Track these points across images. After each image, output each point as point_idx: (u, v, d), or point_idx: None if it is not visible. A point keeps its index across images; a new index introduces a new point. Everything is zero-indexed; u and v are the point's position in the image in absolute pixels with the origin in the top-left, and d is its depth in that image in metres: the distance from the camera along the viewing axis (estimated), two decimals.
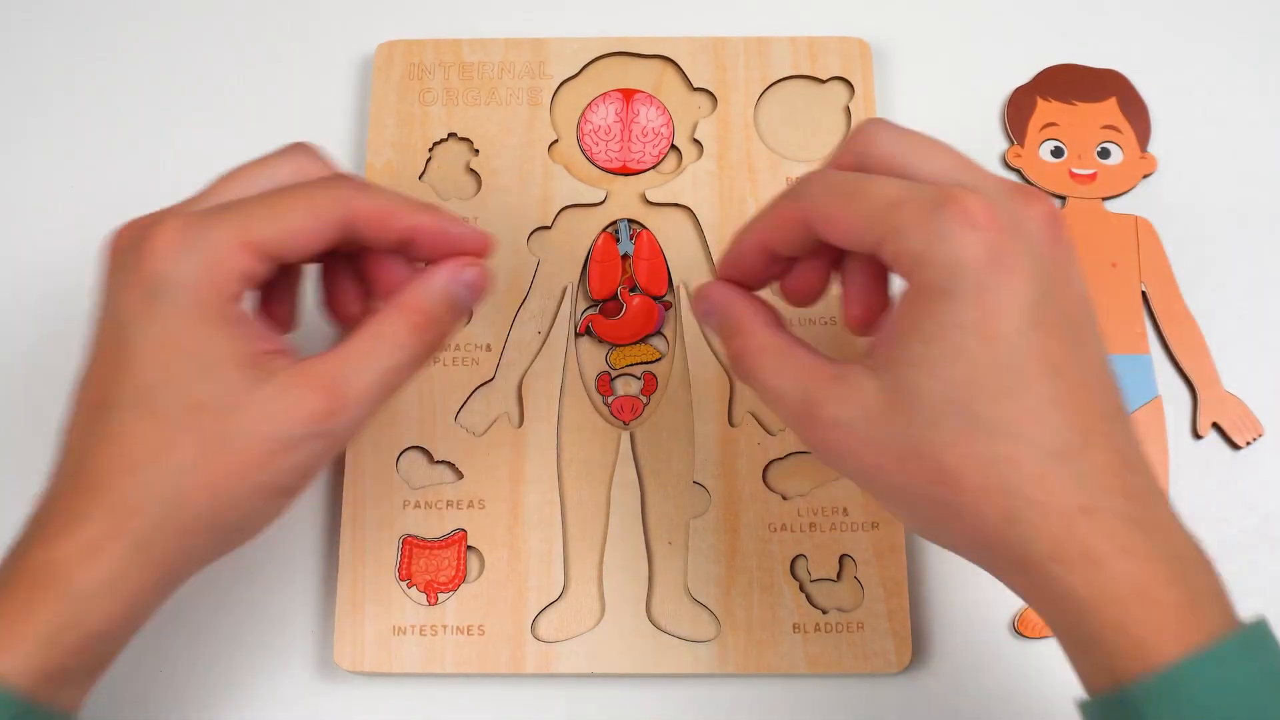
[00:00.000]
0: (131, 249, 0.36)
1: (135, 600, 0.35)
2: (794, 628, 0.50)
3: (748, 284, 0.41)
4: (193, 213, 0.36)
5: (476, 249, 0.40)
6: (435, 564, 0.49)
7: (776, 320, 0.39)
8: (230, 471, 0.35)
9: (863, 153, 0.36)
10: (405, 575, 0.48)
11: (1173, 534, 0.33)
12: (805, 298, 0.40)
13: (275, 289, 0.41)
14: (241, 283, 0.35)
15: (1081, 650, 0.33)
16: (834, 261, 0.39)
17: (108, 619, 0.34)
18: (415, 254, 0.39)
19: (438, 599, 0.48)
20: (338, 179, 0.38)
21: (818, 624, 0.50)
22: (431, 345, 0.38)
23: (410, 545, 0.49)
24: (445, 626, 0.50)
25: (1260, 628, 0.33)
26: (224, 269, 0.35)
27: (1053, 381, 0.32)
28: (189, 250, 0.35)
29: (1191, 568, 0.33)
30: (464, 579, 0.49)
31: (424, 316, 0.38)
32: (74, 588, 0.34)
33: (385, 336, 0.37)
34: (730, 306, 0.39)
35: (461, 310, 0.39)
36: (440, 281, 0.38)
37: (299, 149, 0.40)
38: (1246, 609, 0.52)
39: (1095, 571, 0.31)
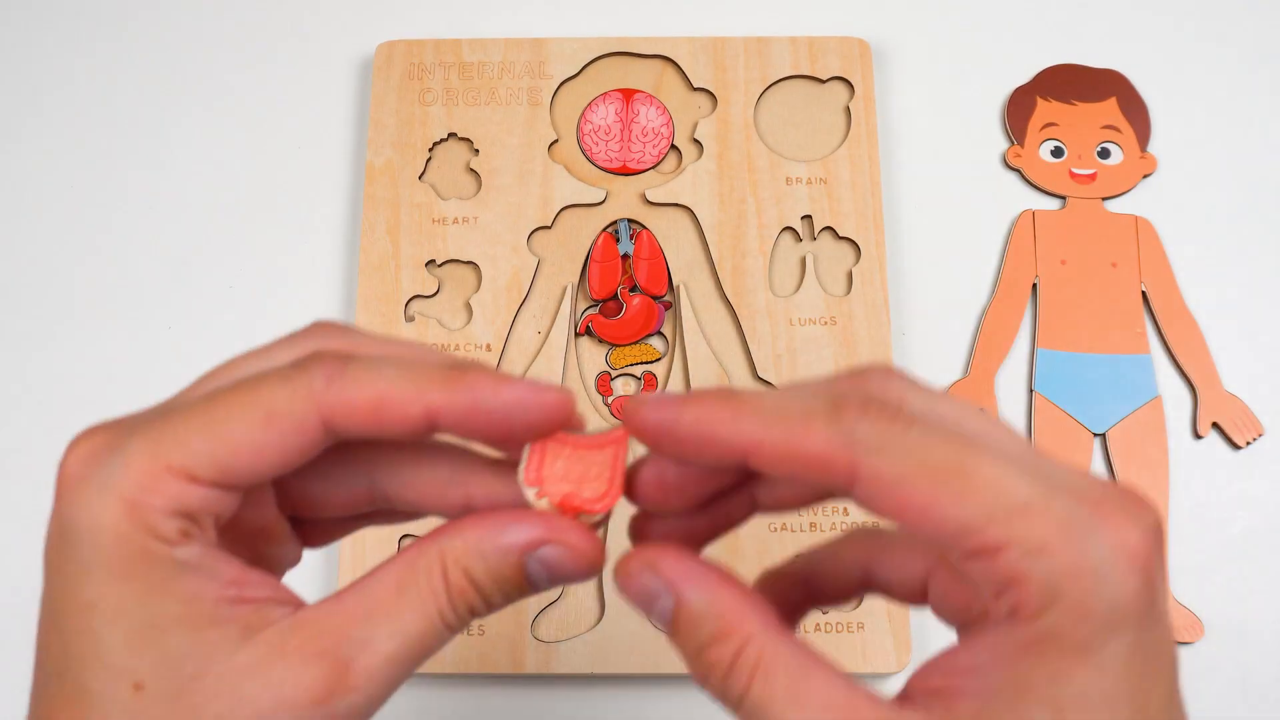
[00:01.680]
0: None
1: None
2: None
3: (678, 509, 0.29)
4: (110, 428, 0.27)
5: (537, 421, 0.28)
6: (580, 469, 0.31)
7: (775, 614, 0.27)
8: None
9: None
10: (535, 480, 0.30)
11: None
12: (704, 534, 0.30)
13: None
14: (177, 520, 0.26)
15: None
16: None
17: None
18: (469, 435, 0.28)
19: (578, 520, 0.30)
20: (313, 361, 0.27)
21: (818, 624, 0.50)
22: (472, 615, 0.28)
23: (544, 445, 0.30)
24: None
25: None
26: (146, 508, 0.25)
27: None
28: (100, 487, 0.26)
29: None
30: (616, 498, 0.30)
31: (468, 583, 0.27)
32: None
33: (415, 596, 0.27)
34: (709, 591, 0.27)
35: (524, 591, 0.28)
36: (503, 544, 0.28)
37: (318, 330, 0.29)
38: (1247, 609, 0.53)
39: None
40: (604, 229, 0.57)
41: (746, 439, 0.26)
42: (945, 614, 0.30)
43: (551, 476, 0.30)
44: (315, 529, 0.32)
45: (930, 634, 0.52)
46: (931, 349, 0.57)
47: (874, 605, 0.50)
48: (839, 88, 0.60)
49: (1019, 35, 0.63)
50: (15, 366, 0.57)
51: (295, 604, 0.27)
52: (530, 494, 0.30)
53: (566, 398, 0.28)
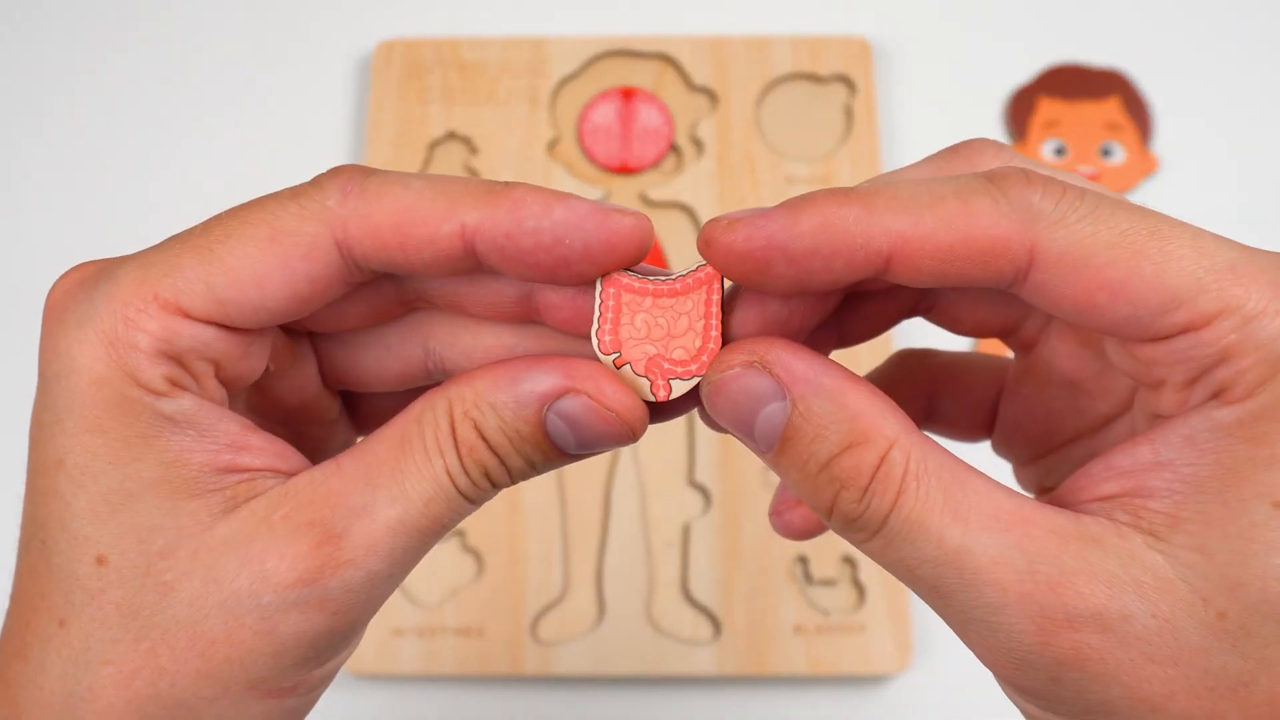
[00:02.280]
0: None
1: None
2: (795, 629, 0.50)
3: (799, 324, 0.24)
4: (105, 260, 0.24)
5: (598, 252, 0.22)
6: (666, 323, 0.25)
7: (910, 420, 0.22)
8: (163, 665, 0.22)
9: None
10: (613, 345, 0.25)
11: None
12: None
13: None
14: (164, 364, 0.22)
15: None
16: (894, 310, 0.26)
17: None
18: (514, 269, 0.23)
19: (670, 390, 0.24)
20: (328, 176, 0.23)
21: (819, 625, 0.50)
22: (491, 482, 0.23)
23: (618, 298, 0.25)
24: (444, 628, 0.50)
25: None
26: (127, 346, 0.22)
27: None
28: (79, 320, 0.22)
29: None
30: (714, 348, 0.24)
31: (479, 440, 0.23)
32: None
33: (421, 453, 0.23)
34: (836, 389, 0.22)
35: (549, 453, 0.23)
36: (518, 393, 0.23)
37: (339, 172, 0.24)
38: None
39: None
40: None
41: (893, 237, 0.21)
42: (1018, 442, 0.28)
43: (632, 337, 0.25)
44: (367, 409, 0.28)
45: (931, 635, 0.51)
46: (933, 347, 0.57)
47: (875, 607, 0.50)
48: (840, 87, 0.59)
49: (1020, 34, 0.63)
50: (15, 368, 0.57)
51: (298, 472, 0.23)
52: (607, 362, 0.24)
53: (639, 223, 0.22)
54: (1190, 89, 0.61)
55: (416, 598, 0.51)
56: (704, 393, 0.23)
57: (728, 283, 0.24)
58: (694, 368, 0.24)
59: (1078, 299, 0.21)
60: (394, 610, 0.50)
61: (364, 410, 0.28)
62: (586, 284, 0.23)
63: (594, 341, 0.24)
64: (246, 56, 0.63)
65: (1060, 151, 0.60)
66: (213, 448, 0.22)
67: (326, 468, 0.23)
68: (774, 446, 0.22)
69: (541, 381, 0.23)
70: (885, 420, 0.21)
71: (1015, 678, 0.22)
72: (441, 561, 0.51)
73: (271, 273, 0.22)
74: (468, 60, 0.60)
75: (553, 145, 0.58)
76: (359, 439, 0.27)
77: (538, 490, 0.52)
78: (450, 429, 0.23)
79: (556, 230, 0.22)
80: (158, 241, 0.23)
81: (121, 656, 0.22)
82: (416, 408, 0.23)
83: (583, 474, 0.52)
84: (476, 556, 0.51)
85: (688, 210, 0.57)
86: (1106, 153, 0.60)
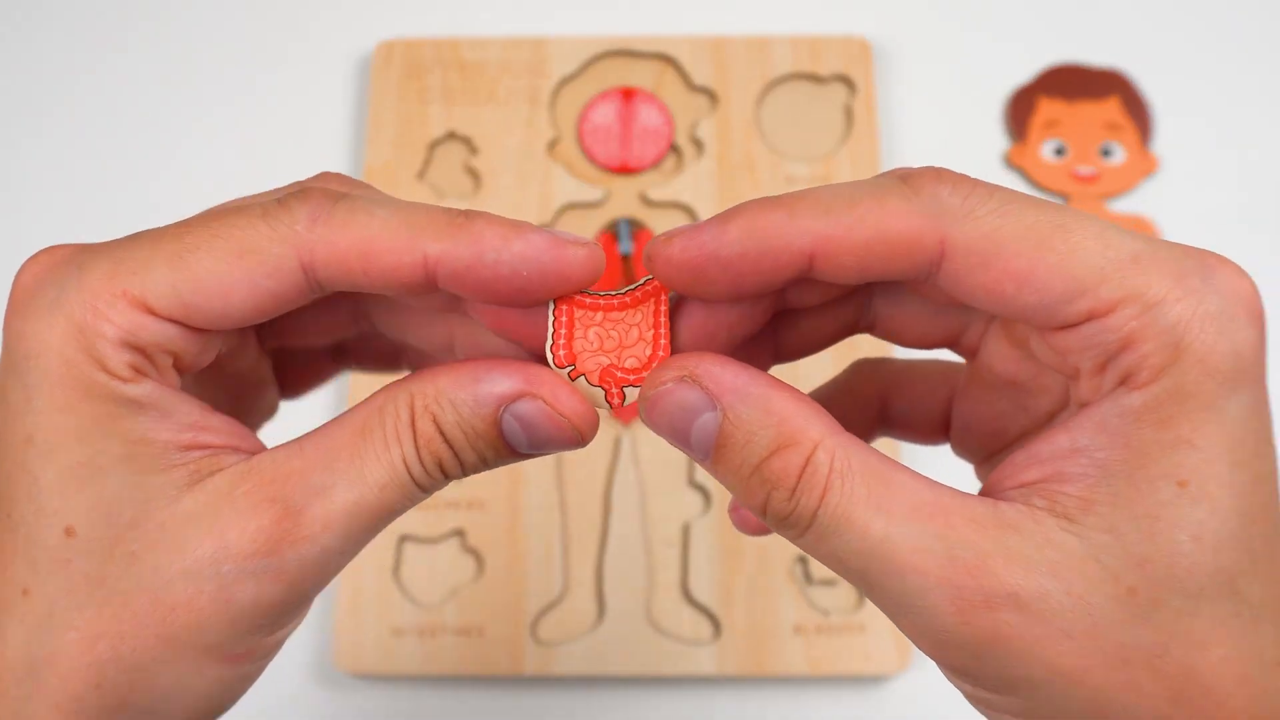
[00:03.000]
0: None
1: None
2: (795, 629, 0.50)
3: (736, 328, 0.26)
4: (75, 246, 0.25)
5: (555, 283, 0.24)
6: (617, 335, 0.27)
7: (835, 421, 0.23)
8: (124, 630, 0.23)
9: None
10: (568, 358, 0.26)
11: None
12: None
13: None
14: (128, 353, 0.23)
15: None
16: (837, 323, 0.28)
17: None
18: (474, 295, 0.24)
19: (624, 397, 0.26)
20: (297, 197, 0.24)
21: (819, 625, 0.50)
22: (444, 473, 0.25)
23: (570, 314, 0.26)
24: (444, 628, 0.50)
25: None
26: (94, 334, 0.23)
27: None
28: (50, 304, 0.23)
29: None
30: (664, 355, 0.26)
31: (437, 434, 0.24)
32: None
33: (380, 441, 0.24)
34: (763, 397, 0.23)
35: (501, 452, 0.25)
36: (477, 394, 0.24)
37: (320, 176, 0.27)
38: None
39: None
40: (604, 228, 0.57)
41: (814, 236, 0.22)
42: (971, 442, 0.29)
43: (585, 350, 0.26)
44: (293, 370, 0.30)
45: None
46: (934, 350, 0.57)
47: (875, 607, 0.50)
48: (840, 87, 0.59)
49: (1020, 34, 0.63)
50: None
51: (257, 452, 0.25)
52: (563, 375, 0.26)
53: (593, 254, 0.24)
54: (1190, 89, 0.61)
55: (416, 598, 0.51)
56: (640, 408, 0.25)
57: (675, 294, 0.25)
58: (646, 375, 0.26)
59: (988, 288, 0.22)
60: (394, 610, 0.50)
61: (290, 371, 0.30)
62: (539, 305, 0.25)
63: (549, 357, 0.25)
64: (246, 56, 0.63)
65: (1060, 151, 0.60)
66: (175, 427, 0.24)
67: (289, 448, 0.24)
68: (710, 454, 0.23)
69: (501, 384, 0.24)
70: (810, 423, 0.23)
71: (943, 657, 0.23)
72: (441, 561, 0.51)
73: (237, 285, 0.23)
74: (468, 60, 0.60)
75: (553, 145, 0.58)
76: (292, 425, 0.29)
77: (538, 490, 0.52)
78: (410, 421, 0.24)
79: (514, 262, 0.23)
80: (130, 233, 0.24)
81: (86, 622, 0.23)
82: (379, 398, 0.24)
83: (583, 474, 0.52)
84: (476, 556, 0.51)
85: (688, 210, 0.57)
86: (1106, 153, 0.60)
